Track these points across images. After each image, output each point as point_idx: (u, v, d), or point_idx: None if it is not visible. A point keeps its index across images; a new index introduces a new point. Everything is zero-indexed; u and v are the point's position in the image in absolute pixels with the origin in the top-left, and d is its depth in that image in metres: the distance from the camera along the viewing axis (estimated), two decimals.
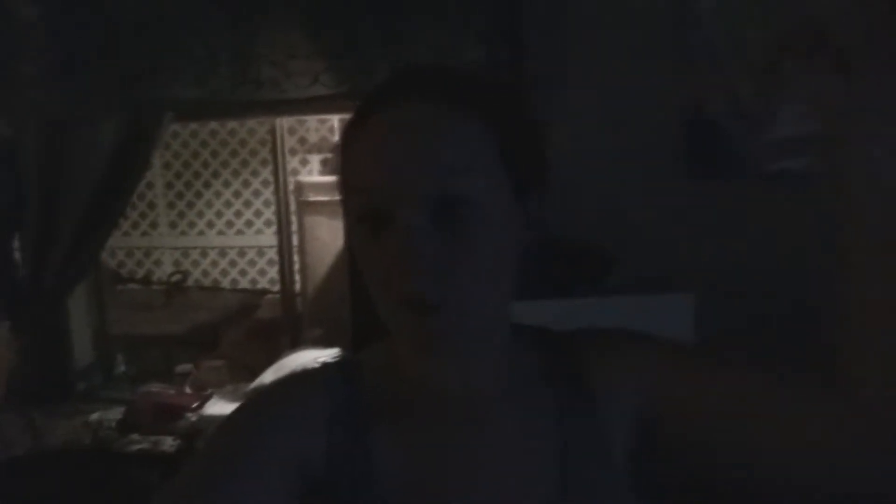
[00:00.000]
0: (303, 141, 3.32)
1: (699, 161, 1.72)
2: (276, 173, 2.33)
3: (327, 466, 0.56)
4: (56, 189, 1.94)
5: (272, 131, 2.34)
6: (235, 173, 3.64)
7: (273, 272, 3.73)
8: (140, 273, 3.67)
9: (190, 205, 3.70)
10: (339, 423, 0.58)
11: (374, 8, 1.69)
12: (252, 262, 3.76)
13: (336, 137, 3.12)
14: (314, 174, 2.94)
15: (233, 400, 1.89)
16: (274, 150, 2.32)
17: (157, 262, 3.75)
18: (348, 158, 0.57)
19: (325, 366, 0.63)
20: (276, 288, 3.73)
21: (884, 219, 1.48)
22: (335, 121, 3.00)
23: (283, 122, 2.36)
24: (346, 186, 0.57)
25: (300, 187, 2.24)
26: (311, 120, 3.19)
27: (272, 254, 3.74)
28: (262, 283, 3.74)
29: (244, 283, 3.74)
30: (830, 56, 1.60)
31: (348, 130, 0.58)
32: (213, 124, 3.54)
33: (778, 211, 1.67)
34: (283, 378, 0.62)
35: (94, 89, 1.82)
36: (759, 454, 0.56)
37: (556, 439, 0.58)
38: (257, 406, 0.61)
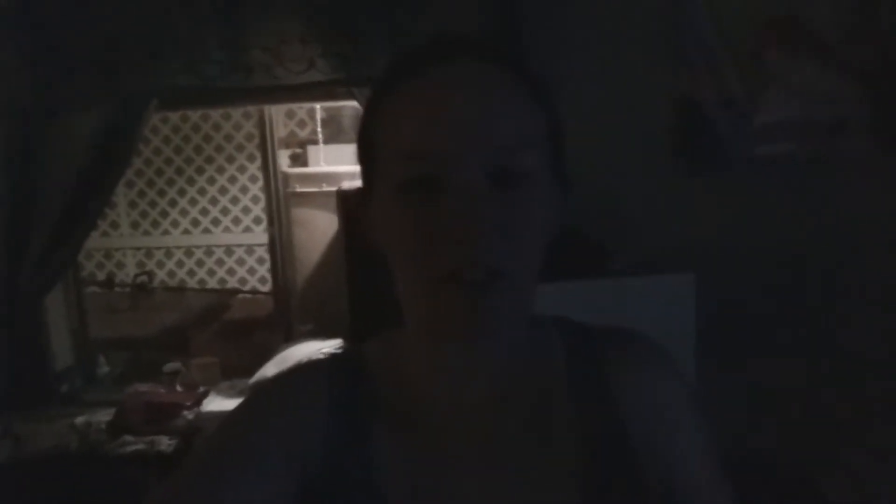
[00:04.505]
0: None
1: (689, 147, 1.78)
2: (265, 164, 2.27)
3: (326, 460, 0.54)
4: (33, 184, 1.84)
5: (261, 120, 2.28)
6: (200, 170, 3.53)
7: (243, 271, 3.64)
8: (101, 276, 3.52)
9: (153, 203, 3.57)
10: (340, 416, 0.55)
11: None
12: (220, 262, 3.66)
13: (304, 132, 3.07)
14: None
15: (231, 396, 1.84)
16: (263, 140, 2.26)
17: (120, 265, 3.60)
18: (387, 122, 0.51)
19: (329, 358, 0.60)
20: (247, 287, 3.66)
21: None
22: (304, 113, 2.96)
23: (273, 112, 2.31)
24: (383, 152, 0.51)
25: (286, 178, 2.19)
26: (279, 115, 3.13)
27: (241, 252, 3.64)
28: (232, 283, 3.64)
29: (212, 284, 3.64)
30: (810, 46, 1.69)
31: (384, 91, 0.52)
32: (176, 119, 3.43)
33: (765, 193, 1.75)
34: (287, 370, 0.60)
35: (74, 77, 1.74)
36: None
37: (577, 441, 0.55)
38: (258, 399, 0.59)
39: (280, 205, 2.31)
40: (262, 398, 0.58)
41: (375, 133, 0.52)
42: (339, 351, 0.60)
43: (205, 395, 1.92)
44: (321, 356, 0.60)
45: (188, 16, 1.70)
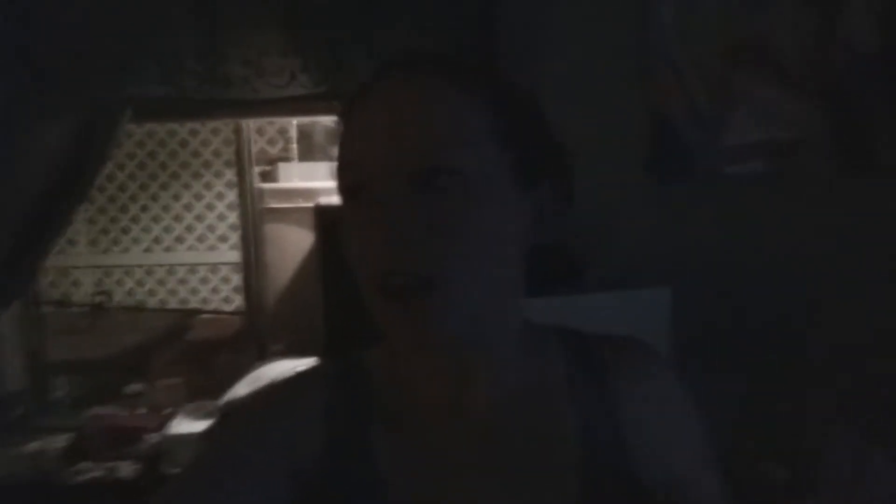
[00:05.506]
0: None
1: (662, 163, 1.81)
2: (241, 178, 2.22)
3: (325, 465, 0.53)
4: None
5: (237, 134, 2.23)
6: (164, 186, 3.43)
7: (206, 290, 3.54)
8: (56, 294, 3.37)
9: (114, 220, 3.45)
10: (338, 421, 0.55)
11: (354, 3, 1.67)
12: (183, 281, 3.54)
13: (274, 149, 3.04)
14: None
15: (198, 417, 1.75)
16: (239, 154, 2.21)
17: (77, 283, 3.45)
18: (341, 138, 0.56)
19: (326, 364, 0.61)
20: (211, 307, 3.55)
21: None
22: (274, 130, 2.92)
23: (250, 125, 2.26)
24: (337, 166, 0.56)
25: (260, 194, 2.14)
26: (250, 131, 3.09)
27: (205, 271, 3.54)
28: (195, 302, 3.53)
29: (174, 303, 3.52)
30: (773, 69, 1.75)
31: (344, 112, 0.56)
32: (141, 134, 3.34)
33: (738, 209, 1.78)
34: (284, 379, 0.59)
35: (44, 87, 1.66)
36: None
37: (577, 446, 0.55)
38: (254, 407, 0.59)
39: (253, 220, 2.25)
40: (258, 406, 0.58)
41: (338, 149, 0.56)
42: (338, 359, 0.60)
43: (170, 417, 1.83)
44: (320, 364, 0.60)
45: (166, 27, 1.65)
